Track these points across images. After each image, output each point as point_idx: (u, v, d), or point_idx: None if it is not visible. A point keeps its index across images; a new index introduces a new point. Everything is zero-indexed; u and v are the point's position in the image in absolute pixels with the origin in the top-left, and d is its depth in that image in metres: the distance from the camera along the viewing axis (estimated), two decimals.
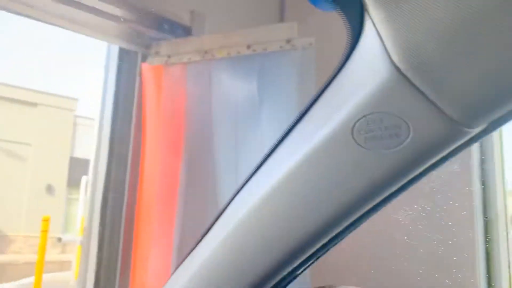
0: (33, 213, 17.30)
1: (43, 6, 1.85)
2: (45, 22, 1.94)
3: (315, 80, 1.73)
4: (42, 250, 8.10)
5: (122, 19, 2.02)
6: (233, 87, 1.87)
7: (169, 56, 2.02)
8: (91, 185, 2.15)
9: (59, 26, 1.98)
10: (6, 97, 17.38)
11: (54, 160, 18.04)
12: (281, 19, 3.03)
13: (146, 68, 2.08)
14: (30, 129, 17.84)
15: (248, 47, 1.82)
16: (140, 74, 2.12)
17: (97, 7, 1.95)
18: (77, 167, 18.58)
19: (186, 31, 2.15)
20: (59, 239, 8.05)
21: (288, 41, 1.72)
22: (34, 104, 18.16)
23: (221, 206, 0.59)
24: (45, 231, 8.18)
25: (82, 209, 8.13)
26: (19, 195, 17.27)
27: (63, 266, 12.47)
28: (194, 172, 1.95)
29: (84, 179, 8.28)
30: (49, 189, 17.97)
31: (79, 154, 18.73)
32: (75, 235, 8.08)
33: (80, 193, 8.49)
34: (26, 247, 17.28)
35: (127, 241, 1.97)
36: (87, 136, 18.74)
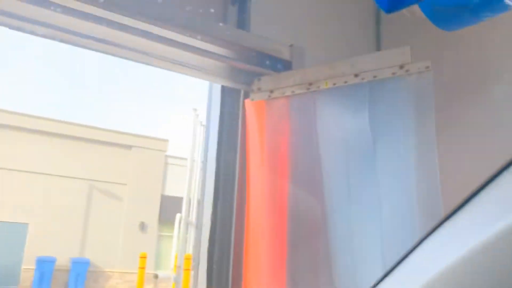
0: (128, 250, 18.21)
1: (152, 51, 1.92)
2: (152, 65, 2.01)
3: (433, 106, 1.59)
4: (140, 286, 8.40)
5: (225, 58, 2.04)
6: (341, 119, 1.78)
7: (271, 91, 2.00)
8: (197, 224, 2.14)
9: (164, 68, 2.05)
10: (105, 141, 18.82)
11: (146, 198, 19.03)
12: (378, 47, 2.93)
13: (249, 104, 2.07)
14: (125, 170, 19.09)
15: (356, 75, 1.73)
16: (243, 111, 2.12)
17: (200, 47, 1.99)
18: (167, 205, 19.41)
19: (287, 66, 2.13)
20: (156, 276, 8.34)
21: (401, 66, 1.61)
22: (129, 147, 19.44)
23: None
24: (142, 268, 8.51)
25: (176, 246, 8.37)
26: (116, 232, 18.32)
27: None
28: (302, 209, 1.86)
29: (178, 216, 8.53)
30: (142, 226, 18.87)
31: (169, 192, 19.62)
32: (169, 272, 8.31)
33: (174, 230, 8.76)
34: (122, 283, 18.11)
35: (236, 280, 1.91)
36: (177, 174, 19.57)
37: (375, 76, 1.68)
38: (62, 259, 16.48)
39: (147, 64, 1.96)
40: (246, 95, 2.13)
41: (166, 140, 20.63)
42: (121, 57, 1.83)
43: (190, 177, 9.06)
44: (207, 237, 2.04)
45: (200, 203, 2.28)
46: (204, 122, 11.04)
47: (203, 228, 2.15)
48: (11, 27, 1.67)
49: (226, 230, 2.02)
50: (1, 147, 16.79)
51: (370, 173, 1.63)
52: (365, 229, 1.61)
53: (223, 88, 2.23)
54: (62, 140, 17.89)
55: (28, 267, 16.32)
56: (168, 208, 19.10)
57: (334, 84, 1.79)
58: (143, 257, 8.48)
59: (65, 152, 17.80)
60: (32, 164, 17.10)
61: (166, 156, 20.25)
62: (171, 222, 18.79)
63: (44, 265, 15.90)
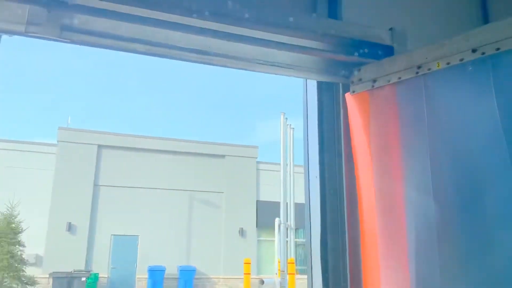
0: (230, 256, 18.70)
1: (246, 56, 1.87)
2: (249, 70, 1.96)
3: None
4: None
5: (320, 52, 1.93)
6: (460, 104, 1.57)
7: (374, 80, 1.85)
8: (307, 228, 2.04)
9: (260, 71, 1.99)
10: (199, 153, 19.59)
11: (243, 205, 19.45)
12: (486, 20, 2.62)
13: (350, 98, 1.94)
14: (221, 179, 19.69)
15: (474, 50, 1.52)
16: (344, 106, 1.99)
17: (293, 43, 1.90)
18: (262, 210, 19.65)
19: (388, 51, 1.96)
20: (262, 282, 8.42)
21: None
22: (222, 156, 20.04)
23: None
24: (248, 274, 8.63)
25: (278, 251, 8.38)
26: (217, 240, 18.94)
27: None
28: (422, 203, 1.68)
29: (277, 221, 8.54)
30: (241, 232, 19.29)
31: (263, 197, 19.87)
32: (273, 277, 8.34)
33: (273, 234, 8.78)
34: None
35: (356, 281, 1.78)
36: (269, 179, 19.73)
37: (498, 49, 1.46)
38: (170, 268, 17.40)
39: (245, 69, 1.91)
40: (346, 89, 2.00)
41: (255, 147, 20.96)
42: (219, 65, 1.81)
43: (285, 181, 9.06)
44: (318, 241, 1.94)
45: (306, 206, 2.17)
46: (293, 125, 11.01)
47: (312, 232, 2.05)
48: (111, 47, 1.71)
49: (338, 232, 1.90)
50: (110, 166, 18.25)
51: (503, 168, 1.38)
52: (503, 237, 1.36)
53: (320, 84, 2.11)
54: (162, 156, 18.98)
55: (140, 276, 17.48)
56: (264, 213, 19.33)
57: (448, 63, 1.59)
58: (248, 263, 8.59)
59: (165, 166, 18.85)
60: (138, 180, 18.35)
61: (257, 162, 20.55)
62: (268, 227, 19.03)
63: (156, 274, 16.90)
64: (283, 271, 8.02)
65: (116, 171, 18.25)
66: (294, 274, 7.92)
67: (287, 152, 9.16)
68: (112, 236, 17.75)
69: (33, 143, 18.09)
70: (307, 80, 2.22)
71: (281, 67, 1.90)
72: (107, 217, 17.71)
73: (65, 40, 1.59)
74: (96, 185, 18.04)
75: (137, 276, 17.63)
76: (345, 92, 1.97)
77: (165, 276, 17.06)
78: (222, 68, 1.97)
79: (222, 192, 19.52)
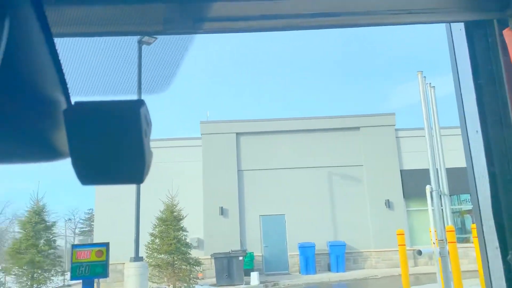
0: (378, 229, 18.24)
1: (378, 8, 1.69)
2: (381, 24, 1.78)
3: None
4: (404, 263, 8.18)
5: None
6: None
7: None
8: (473, 191, 1.79)
9: (395, 23, 1.79)
10: (333, 128, 19.37)
11: (385, 176, 18.73)
12: None
13: (510, 34, 1.63)
14: (358, 152, 19.23)
15: None
16: (502, 45, 1.69)
17: None
18: (408, 179, 18.67)
19: None
20: (419, 252, 7.99)
21: None
22: (356, 128, 19.52)
23: None
24: (402, 245, 8.27)
25: (432, 219, 7.85)
26: (363, 213, 18.60)
27: (418, 279, 12.32)
28: None
29: (428, 188, 7.99)
30: (388, 204, 18.63)
31: (406, 166, 18.85)
32: (430, 247, 7.84)
33: (426, 203, 8.25)
34: (381, 262, 18.21)
35: None
36: (411, 146, 18.63)
37: None
38: (319, 244, 17.66)
39: (377, 24, 1.73)
40: (502, 25, 1.69)
41: (392, 114, 19.94)
42: (349, 25, 1.67)
43: (431, 146, 8.39)
44: (489, 203, 1.69)
45: (468, 166, 1.92)
46: (433, 84, 10.11)
47: (479, 194, 1.80)
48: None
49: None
50: (249, 152, 19.16)
51: None
52: None
53: (468, 26, 1.83)
54: (297, 135, 19.26)
55: (292, 253, 18.09)
56: (410, 182, 18.35)
57: None
58: (401, 234, 8.22)
59: (301, 145, 19.10)
60: (278, 162, 18.94)
61: (396, 130, 19.54)
62: (416, 196, 18.03)
63: (306, 250, 17.34)
64: (442, 240, 7.49)
65: (256, 155, 19.07)
66: (454, 242, 7.34)
67: (430, 113, 8.46)
68: (260, 216, 18.66)
69: (180, 139, 19.89)
70: (451, 24, 1.95)
71: (421, 13, 1.68)
72: (254, 199, 18.67)
73: (199, 31, 1.61)
74: (239, 170, 19.11)
75: (288, 253, 18.31)
76: (502, 29, 1.67)
77: (315, 252, 17.39)
78: (347, 31, 1.83)
79: (362, 165, 19.06)
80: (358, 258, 18.22)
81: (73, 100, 0.69)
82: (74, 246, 6.88)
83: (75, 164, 0.64)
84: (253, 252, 17.65)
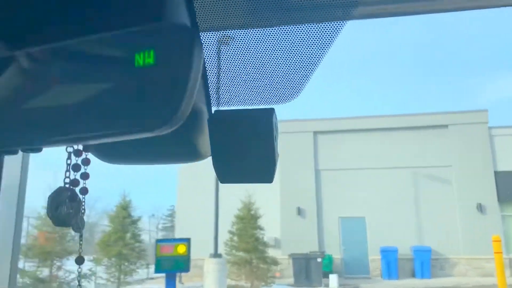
0: (468, 234, 16.90)
1: None
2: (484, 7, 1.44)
3: None
4: (501, 273, 7.40)
5: None
6: None
7: None
8: None
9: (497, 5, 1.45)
10: (417, 126, 18.31)
11: (477, 177, 17.31)
12: None
13: None
14: (446, 151, 17.98)
15: None
16: None
17: None
18: (504, 181, 17.10)
19: None
20: None
21: None
22: (444, 126, 18.28)
23: None
24: (499, 253, 7.50)
25: None
26: (451, 217, 17.35)
27: None
28: None
29: None
30: (480, 208, 17.21)
31: (502, 167, 17.27)
32: None
33: None
34: (472, 270, 16.89)
35: None
36: (507, 145, 17.06)
37: None
38: (402, 248, 16.75)
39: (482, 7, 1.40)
40: None
41: (484, 111, 18.41)
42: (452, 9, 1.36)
43: None
44: None
45: None
46: None
47: None
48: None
49: None
50: (327, 151, 18.71)
51: None
52: None
53: None
54: (378, 134, 18.49)
55: (373, 257, 17.36)
56: (506, 185, 16.81)
57: None
58: (497, 241, 7.45)
59: (383, 144, 18.29)
60: (357, 161, 18.29)
61: (490, 128, 17.99)
62: None
63: (388, 255, 16.55)
64: None
65: (334, 154, 18.57)
66: None
67: None
68: (340, 218, 18.14)
69: None
70: None
71: None
72: (332, 200, 18.19)
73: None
74: (317, 170, 18.73)
75: (369, 257, 17.60)
76: None
77: (398, 256, 16.54)
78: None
79: (450, 166, 17.80)
80: (445, 264, 17.03)
81: (214, 109, 0.81)
82: (158, 241, 7.05)
83: (216, 164, 0.75)
84: (331, 255, 17.19)
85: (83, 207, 0.72)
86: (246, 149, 0.75)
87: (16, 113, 0.58)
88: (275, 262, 15.45)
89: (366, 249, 17.74)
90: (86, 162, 0.71)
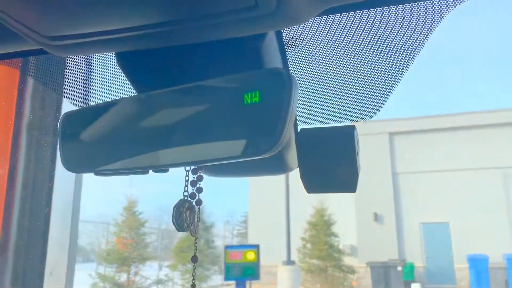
0: None
1: None
2: None
3: None
4: None
5: None
6: None
7: None
8: None
9: None
10: (503, 123, 16.73)
11: None
12: None
13: None
14: None
15: None
16: None
17: None
18: None
19: None
20: None
21: None
22: None
23: None
24: None
25: None
26: None
27: None
28: None
29: None
30: None
31: None
32: None
33: None
34: None
35: None
36: None
37: None
38: (494, 257, 15.26)
39: None
40: None
41: None
42: None
43: None
44: None
45: None
46: None
47: None
48: None
49: None
50: (405, 153, 17.66)
51: None
52: None
53: None
54: (462, 133, 17.14)
55: (459, 265, 16.01)
56: None
57: None
58: None
59: (469, 144, 16.91)
60: (440, 163, 17.06)
61: None
62: None
63: (478, 263, 15.14)
64: None
65: (413, 156, 17.47)
66: None
67: None
68: (421, 224, 16.99)
69: None
70: None
71: None
72: (412, 205, 17.09)
73: None
74: (394, 173, 17.74)
75: (455, 266, 16.26)
76: None
77: (489, 265, 15.08)
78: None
79: None
80: None
81: (299, 127, 0.94)
82: (227, 247, 6.87)
83: (304, 176, 0.87)
84: (413, 263, 16.09)
85: (198, 215, 0.84)
86: (330, 163, 0.84)
87: (150, 142, 0.73)
88: (351, 270, 14.78)
89: (451, 257, 16.40)
90: (200, 178, 0.83)
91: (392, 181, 17.63)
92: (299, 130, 0.91)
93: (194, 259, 0.91)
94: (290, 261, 12.82)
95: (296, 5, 0.64)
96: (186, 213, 0.81)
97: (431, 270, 16.53)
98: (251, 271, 6.35)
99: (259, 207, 18.39)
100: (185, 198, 0.82)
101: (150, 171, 0.77)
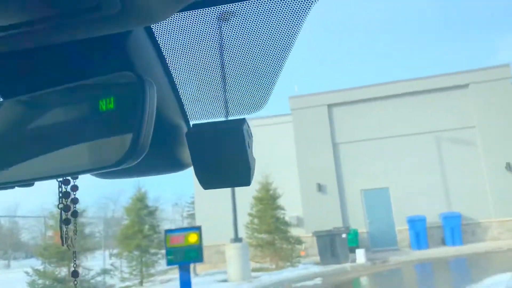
0: (499, 196, 16.14)
1: None
2: None
3: None
4: None
5: None
6: None
7: None
8: None
9: None
10: (435, 88, 17.44)
11: (504, 136, 16.43)
12: None
13: None
14: (468, 111, 17.11)
15: None
16: None
17: None
18: None
19: None
20: None
21: None
22: (465, 85, 17.37)
23: None
24: None
25: None
26: (479, 180, 16.57)
27: None
28: None
29: None
30: (509, 167, 16.37)
31: None
32: None
33: None
34: (505, 232, 16.18)
35: None
36: None
37: None
38: (430, 216, 16.11)
39: None
40: None
41: (506, 65, 17.41)
42: None
43: None
44: None
45: None
46: None
47: None
48: None
49: None
50: (344, 123, 18.02)
51: None
52: None
53: None
54: (395, 100, 17.72)
55: (400, 227, 16.78)
56: None
57: None
58: None
59: (401, 110, 17.52)
60: (376, 131, 17.58)
61: None
62: None
63: (416, 224, 15.94)
64: None
65: (351, 126, 17.88)
66: None
67: None
68: (362, 191, 17.55)
69: (269, 117, 19.29)
70: None
71: None
72: (353, 173, 17.58)
73: None
74: (334, 143, 18.10)
75: (396, 228, 17.02)
76: None
77: (426, 225, 15.91)
78: None
79: (474, 127, 16.95)
80: (476, 229, 16.34)
81: (191, 122, 0.94)
82: (167, 232, 6.61)
83: (198, 173, 0.85)
84: (357, 229, 16.65)
85: (75, 228, 0.81)
86: (222, 158, 0.83)
87: (8, 155, 0.69)
88: (298, 241, 15.03)
89: (392, 220, 17.15)
90: (74, 188, 0.79)
91: (333, 151, 17.99)
92: (191, 126, 0.90)
93: (75, 274, 0.89)
94: (237, 238, 12.78)
95: (148, 4, 0.60)
96: (63, 227, 0.79)
97: (374, 234, 17.22)
98: (194, 254, 6.16)
99: None
100: (61, 210, 0.79)
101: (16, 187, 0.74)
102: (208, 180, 0.86)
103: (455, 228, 15.80)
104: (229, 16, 0.85)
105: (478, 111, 16.93)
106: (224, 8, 0.82)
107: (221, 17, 0.85)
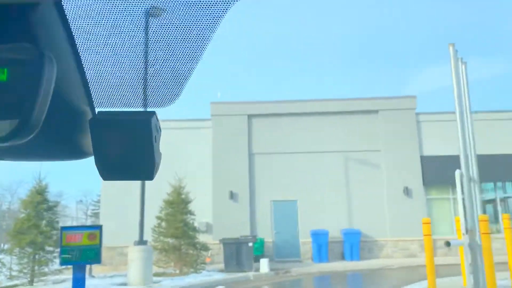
0: (395, 217, 17.36)
1: None
2: None
3: None
4: (429, 254, 7.37)
5: None
6: None
7: None
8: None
9: None
10: (349, 111, 18.43)
11: (404, 162, 17.78)
12: None
13: None
14: (376, 136, 18.27)
15: None
16: None
17: None
18: (429, 166, 17.71)
19: None
20: (448, 243, 7.14)
21: None
22: (375, 111, 18.56)
23: None
24: (428, 235, 7.45)
25: (461, 207, 7.02)
26: (380, 201, 17.70)
27: (438, 271, 11.49)
28: None
29: (457, 174, 7.13)
30: (406, 191, 17.73)
31: (428, 152, 17.85)
32: (463, 238, 7.00)
33: (454, 190, 7.37)
34: (398, 251, 17.41)
35: None
36: (433, 131, 17.66)
37: None
38: (333, 231, 16.90)
39: None
40: None
41: (413, 97, 18.92)
42: None
43: (463, 131, 7.51)
44: None
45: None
46: (465, 59, 9.14)
47: None
48: None
49: None
50: (261, 135, 18.35)
51: None
52: None
53: None
54: (312, 118, 18.41)
55: (304, 240, 17.38)
56: (431, 169, 17.44)
57: None
58: (427, 223, 7.40)
59: (316, 128, 18.25)
60: (291, 145, 18.12)
61: (417, 114, 18.52)
62: (437, 184, 17.11)
63: (319, 238, 16.61)
64: (472, 230, 6.66)
65: (267, 138, 18.28)
66: (488, 233, 6.51)
67: (461, 95, 7.57)
68: (272, 201, 17.94)
69: (189, 120, 19.11)
70: None
71: None
72: (265, 184, 17.93)
73: None
74: (251, 153, 18.35)
75: (300, 240, 17.60)
76: None
77: (329, 239, 16.65)
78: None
79: (379, 151, 18.14)
80: (373, 247, 17.44)
81: (97, 110, 0.88)
82: (63, 229, 6.19)
83: (98, 163, 0.80)
84: (263, 238, 16.96)
85: None
86: (126, 149, 0.79)
87: None
88: (205, 247, 14.93)
89: (297, 232, 17.72)
90: None
91: (248, 160, 18.23)
92: (96, 113, 0.85)
93: None
94: (142, 240, 12.39)
95: None
96: None
97: (279, 245, 17.66)
98: (91, 254, 5.83)
99: (113, 184, 17.38)
100: None
101: None
102: (109, 171, 0.81)
103: (354, 244, 16.72)
104: (153, 8, 0.83)
105: (384, 136, 18.17)
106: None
107: (143, 6, 0.83)
